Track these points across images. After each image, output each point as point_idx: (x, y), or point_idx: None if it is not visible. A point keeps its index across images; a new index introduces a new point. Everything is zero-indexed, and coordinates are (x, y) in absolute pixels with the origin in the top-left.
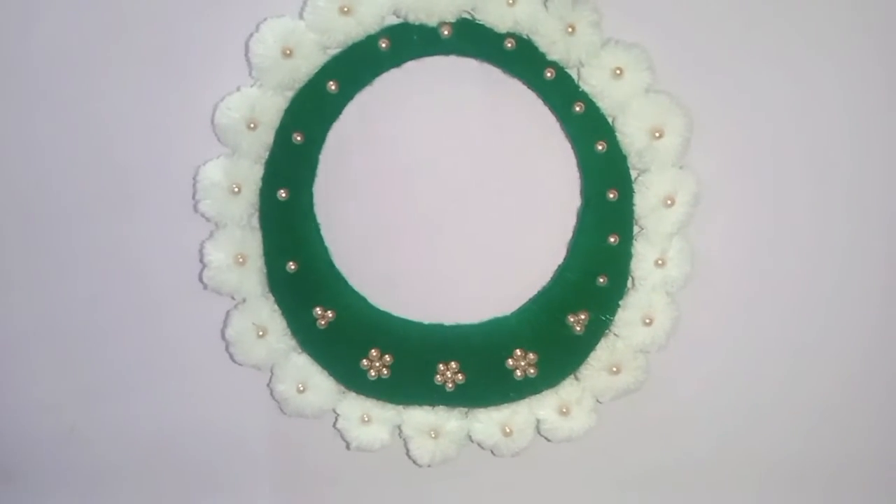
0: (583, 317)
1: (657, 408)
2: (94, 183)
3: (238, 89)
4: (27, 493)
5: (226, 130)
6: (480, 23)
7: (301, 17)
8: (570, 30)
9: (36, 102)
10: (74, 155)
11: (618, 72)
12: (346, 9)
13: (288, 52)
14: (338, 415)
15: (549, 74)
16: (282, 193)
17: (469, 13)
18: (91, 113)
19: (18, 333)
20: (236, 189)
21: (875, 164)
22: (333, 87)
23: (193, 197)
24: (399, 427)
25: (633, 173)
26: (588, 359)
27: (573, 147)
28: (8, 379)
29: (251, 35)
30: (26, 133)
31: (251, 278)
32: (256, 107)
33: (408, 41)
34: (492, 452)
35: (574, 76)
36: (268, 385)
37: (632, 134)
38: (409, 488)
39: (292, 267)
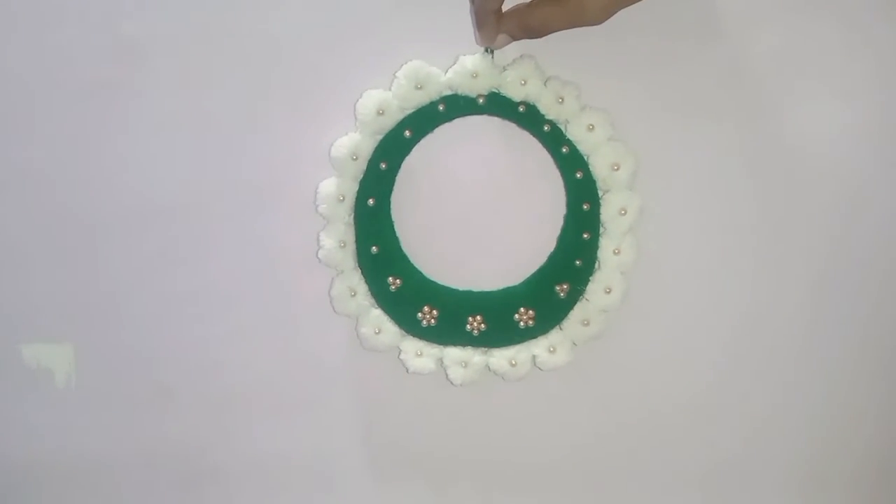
0: (566, 287)
1: (613, 348)
2: (253, 192)
3: (346, 134)
4: (184, 405)
5: (337, 160)
6: (504, 94)
7: (390, 90)
8: (560, 100)
9: (218, 142)
10: (244, 174)
11: (591, 127)
12: (419, 86)
13: (380, 111)
14: (401, 350)
15: (546, 128)
16: (370, 201)
17: (496, 89)
18: (255, 148)
19: (182, 294)
20: (342, 198)
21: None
22: (408, 134)
23: (315, 202)
24: (441, 359)
25: (600, 193)
26: (568, 315)
27: (561, 174)
28: (171, 328)
29: (357, 100)
30: (209, 159)
31: (348, 257)
32: (358, 146)
33: (457, 105)
34: (503, 378)
35: (563, 129)
36: (355, 328)
37: (599, 167)
38: (446, 400)
39: (374, 250)
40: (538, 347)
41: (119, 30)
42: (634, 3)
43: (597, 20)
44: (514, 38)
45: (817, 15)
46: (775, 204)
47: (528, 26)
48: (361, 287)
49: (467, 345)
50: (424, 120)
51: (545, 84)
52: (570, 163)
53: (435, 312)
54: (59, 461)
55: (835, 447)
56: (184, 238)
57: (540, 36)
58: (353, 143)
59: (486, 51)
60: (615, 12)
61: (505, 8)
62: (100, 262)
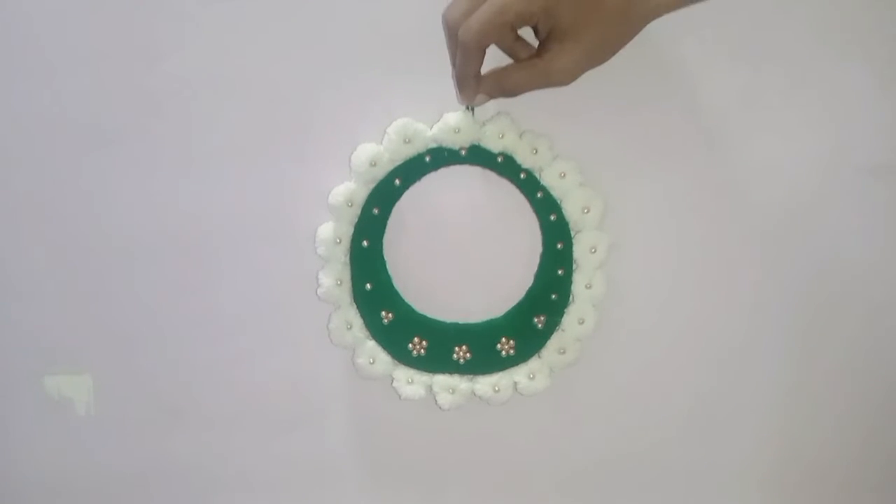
0: (543, 318)
1: (587, 374)
2: (261, 235)
3: (342, 183)
4: (194, 425)
5: (334, 207)
6: (484, 147)
7: (381, 143)
8: (534, 150)
9: (229, 188)
10: (251, 218)
11: (563, 174)
12: (407, 140)
13: (373, 163)
14: (393, 378)
15: (522, 176)
16: (364, 243)
17: (477, 142)
18: (262, 194)
19: (194, 325)
20: (339, 241)
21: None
22: (398, 182)
23: (315, 244)
24: (430, 386)
25: (572, 233)
26: (546, 344)
27: (537, 217)
28: (185, 355)
29: (352, 153)
30: (220, 203)
31: (345, 293)
32: (353, 194)
33: (442, 156)
34: (487, 402)
35: (538, 177)
36: (351, 359)
37: (571, 210)
38: (435, 424)
39: (368, 287)
40: (519, 374)
41: (137, 81)
42: (596, 66)
43: (562, 82)
44: (492, 97)
45: (764, 66)
46: (732, 236)
47: (503, 88)
48: (357, 321)
49: (454, 372)
50: (413, 170)
51: (521, 137)
52: (545, 206)
53: (424, 343)
54: (81, 480)
55: (804, 463)
56: (195, 274)
57: (514, 95)
58: (349, 192)
59: (467, 108)
60: (579, 75)
61: (483, 71)
62: (119, 294)
